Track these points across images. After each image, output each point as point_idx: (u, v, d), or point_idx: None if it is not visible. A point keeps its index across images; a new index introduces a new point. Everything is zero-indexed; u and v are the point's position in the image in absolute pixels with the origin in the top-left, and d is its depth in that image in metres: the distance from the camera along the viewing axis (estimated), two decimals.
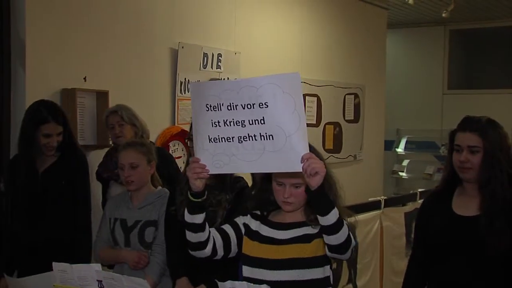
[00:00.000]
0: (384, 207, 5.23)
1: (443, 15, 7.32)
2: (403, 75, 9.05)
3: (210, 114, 1.99)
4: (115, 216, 3.14)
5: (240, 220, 2.31)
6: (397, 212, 5.50)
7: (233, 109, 1.95)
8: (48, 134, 3.22)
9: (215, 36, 5.19)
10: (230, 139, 1.98)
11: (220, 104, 1.97)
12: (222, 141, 2.00)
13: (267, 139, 1.93)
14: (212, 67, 5.11)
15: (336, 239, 2.04)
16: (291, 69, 6.09)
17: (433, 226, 2.50)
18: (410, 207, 5.56)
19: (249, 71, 5.48)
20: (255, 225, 2.29)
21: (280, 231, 2.23)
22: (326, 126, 6.61)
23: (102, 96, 4.21)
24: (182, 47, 4.82)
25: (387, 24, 7.86)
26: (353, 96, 7.05)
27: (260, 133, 1.93)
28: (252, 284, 1.89)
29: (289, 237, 2.21)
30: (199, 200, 2.10)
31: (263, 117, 1.92)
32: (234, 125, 1.97)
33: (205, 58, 5.04)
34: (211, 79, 5.03)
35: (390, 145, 8.81)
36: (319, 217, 2.02)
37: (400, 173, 8.99)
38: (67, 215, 3.23)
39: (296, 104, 1.90)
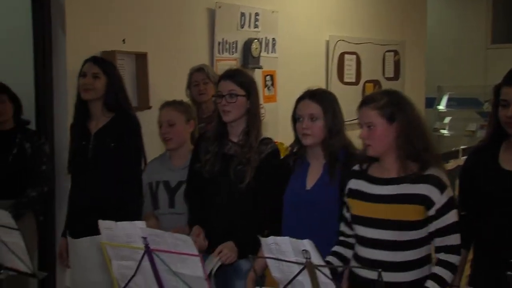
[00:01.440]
0: None
1: None
2: (444, 29, 8.80)
3: None
4: (156, 179, 3.12)
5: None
6: None
7: None
8: (84, 73, 3.13)
9: None
10: None
11: None
12: None
13: None
14: (249, 27, 5.06)
15: None
16: (329, 26, 6.00)
17: (479, 182, 2.43)
18: (452, 164, 5.49)
19: (286, 30, 5.42)
20: (354, 183, 2.38)
21: (378, 186, 2.30)
22: (366, 84, 6.51)
23: (141, 58, 4.23)
24: (220, 7, 4.78)
25: None
26: (393, 53, 6.90)
27: None
28: (294, 239, 1.90)
29: (387, 193, 2.27)
30: None
31: None
32: None
33: (243, 17, 5.00)
34: (249, 39, 5.00)
35: (431, 102, 8.62)
36: None
37: (442, 131, 8.84)
38: (116, 178, 3.08)
39: None
